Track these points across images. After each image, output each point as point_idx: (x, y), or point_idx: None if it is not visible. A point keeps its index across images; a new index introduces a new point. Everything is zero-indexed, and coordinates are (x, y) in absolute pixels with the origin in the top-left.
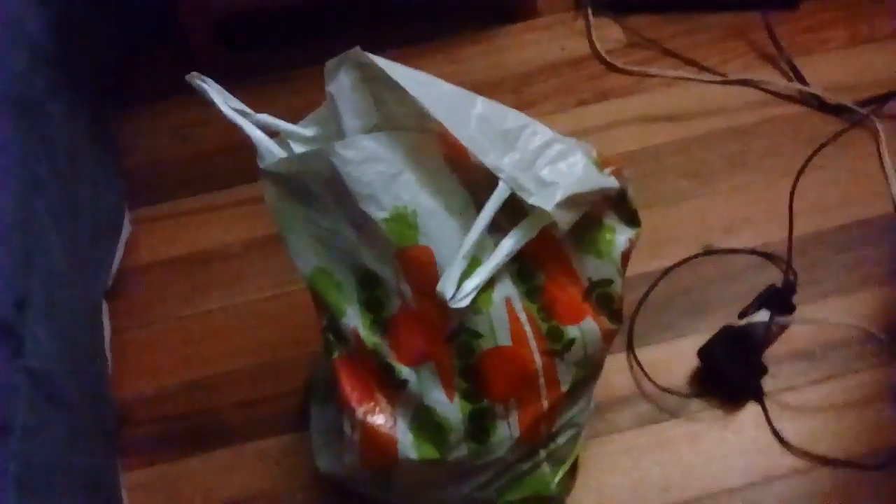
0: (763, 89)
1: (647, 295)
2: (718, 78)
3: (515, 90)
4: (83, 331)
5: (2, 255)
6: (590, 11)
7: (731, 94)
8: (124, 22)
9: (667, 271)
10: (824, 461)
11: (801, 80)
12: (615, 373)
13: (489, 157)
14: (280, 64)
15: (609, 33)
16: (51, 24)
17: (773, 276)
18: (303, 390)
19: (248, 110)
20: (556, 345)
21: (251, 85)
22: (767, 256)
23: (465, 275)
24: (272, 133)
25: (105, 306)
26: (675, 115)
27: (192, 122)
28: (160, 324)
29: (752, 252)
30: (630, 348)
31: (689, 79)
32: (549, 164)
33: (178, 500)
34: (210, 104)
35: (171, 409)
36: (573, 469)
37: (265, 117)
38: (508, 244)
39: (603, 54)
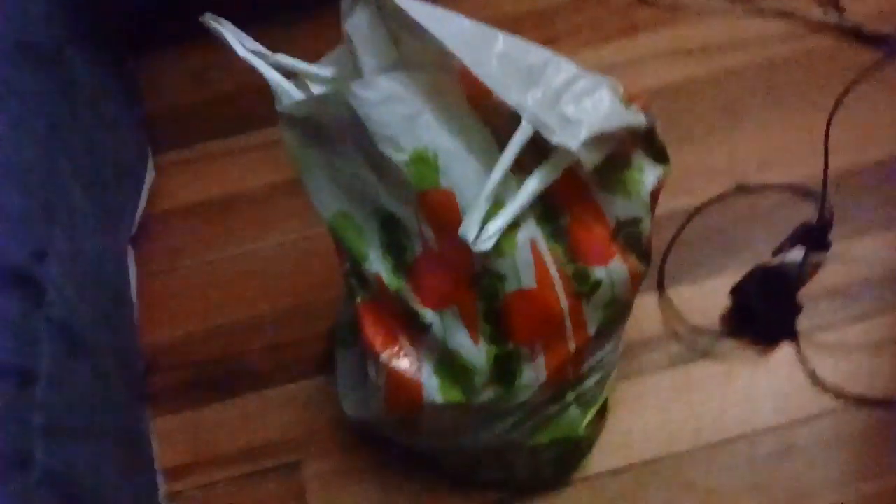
0: (799, 20)
1: (678, 234)
2: (752, 8)
3: (540, 25)
4: (108, 278)
5: (21, 204)
6: None
7: (766, 26)
8: None
9: (698, 209)
10: (860, 401)
11: (839, 8)
12: (646, 313)
13: (511, 95)
14: (301, 2)
15: None
16: None
17: (808, 212)
18: (328, 333)
19: (265, 51)
20: (582, 286)
21: (271, 25)
22: (802, 192)
23: (489, 216)
24: (290, 74)
25: (131, 252)
26: (707, 48)
27: (211, 65)
28: (185, 269)
29: (786, 188)
30: (661, 288)
31: (721, 10)
32: (574, 100)
33: (206, 445)
34: (226, 46)
35: (197, 355)
36: (602, 411)
37: (282, 58)
38: (532, 185)
39: None
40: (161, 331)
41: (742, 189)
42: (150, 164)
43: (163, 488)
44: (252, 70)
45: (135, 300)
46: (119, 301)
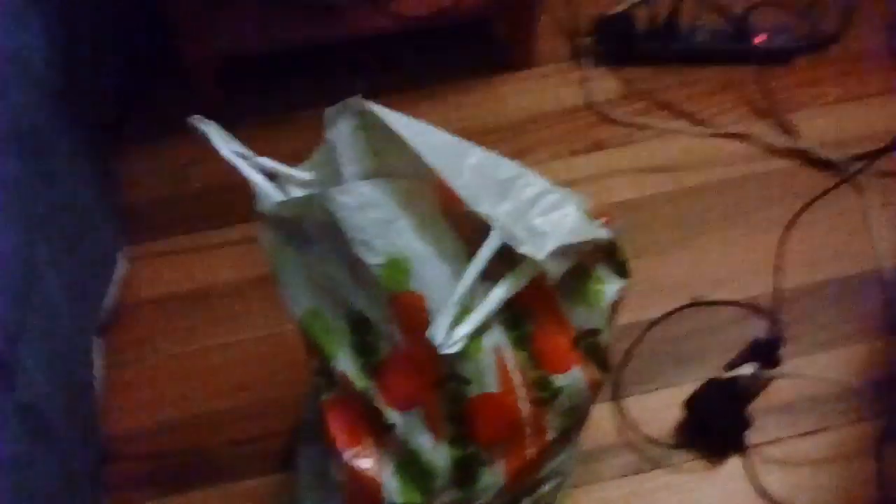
0: (755, 143)
1: (634, 345)
2: (711, 131)
3: (511, 138)
4: (76, 366)
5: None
6: (587, 63)
7: (724, 146)
8: (126, 59)
9: (654, 322)
10: None
11: (793, 134)
12: (601, 422)
13: (483, 206)
14: (279, 107)
15: (605, 84)
16: (56, 59)
17: (761, 328)
18: (291, 430)
19: (248, 153)
20: (543, 393)
21: (250, 125)
22: (754, 309)
23: (457, 321)
24: (271, 175)
25: (98, 342)
26: (668, 167)
27: (190, 161)
28: (152, 361)
29: (740, 304)
30: (616, 398)
31: (681, 131)
32: (542, 214)
33: None
34: (211, 146)
35: (159, 446)
36: None
37: (264, 160)
38: (499, 292)
39: (598, 105)
40: (123, 420)
41: (697, 304)
42: (122, 255)
43: None
44: (228, 167)
45: (98, 389)
46: (84, 388)
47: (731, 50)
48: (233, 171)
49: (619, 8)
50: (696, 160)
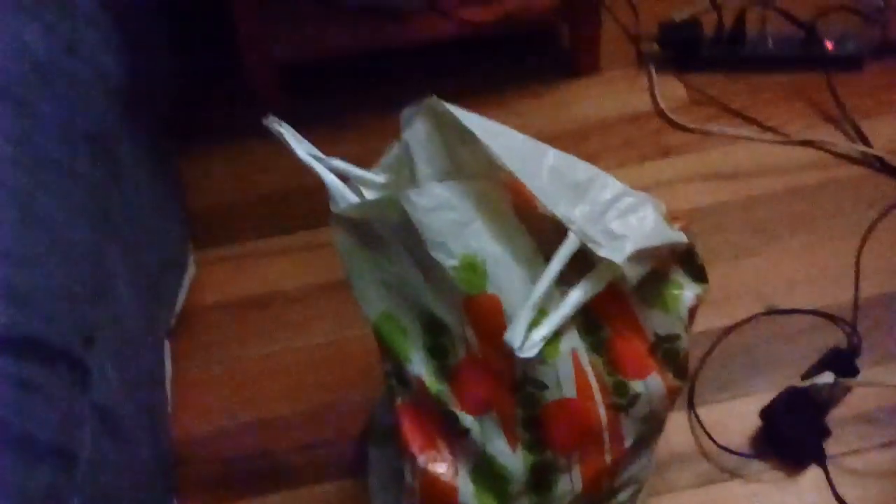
0: (826, 150)
1: (709, 352)
2: (780, 138)
3: (576, 144)
4: (146, 368)
5: (75, 287)
6: (652, 68)
7: (794, 154)
8: (190, 63)
9: (728, 330)
10: None
11: (865, 141)
12: (675, 431)
13: (560, 207)
14: (342, 112)
15: (671, 90)
16: (125, 64)
17: (835, 337)
18: (361, 434)
19: (321, 155)
20: (621, 399)
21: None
22: (830, 318)
23: (533, 325)
24: (343, 178)
25: (167, 345)
26: (737, 174)
27: (254, 165)
28: (220, 364)
29: (815, 313)
30: (691, 406)
31: (750, 138)
32: (619, 216)
33: None
34: (286, 148)
35: (228, 450)
36: None
37: (338, 162)
38: (577, 296)
39: (665, 111)
40: (193, 424)
41: (771, 312)
42: (191, 259)
43: None
44: (293, 172)
45: (168, 392)
46: (155, 391)
47: (800, 56)
48: (297, 176)
49: (685, 14)
50: (766, 167)
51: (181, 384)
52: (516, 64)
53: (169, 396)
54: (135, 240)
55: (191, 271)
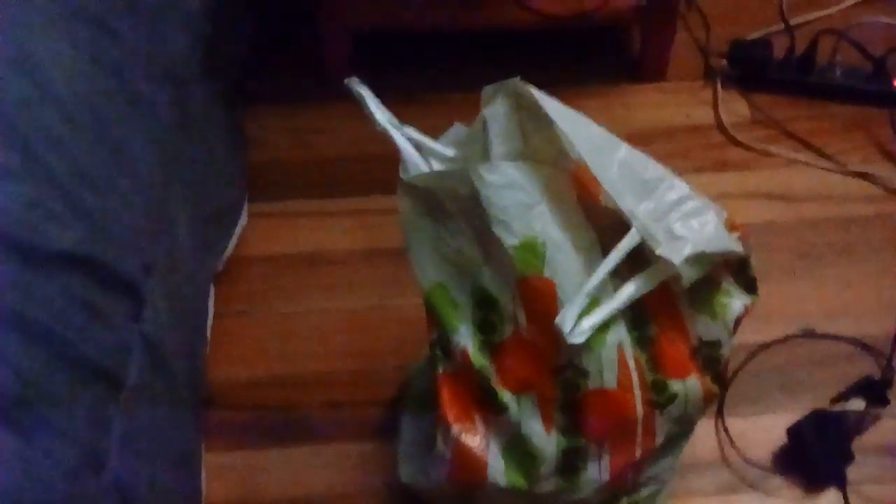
0: (880, 185)
1: (743, 365)
2: (837, 167)
3: (636, 147)
4: (192, 309)
5: (141, 219)
6: (719, 83)
7: (848, 184)
8: (264, 19)
9: (765, 346)
10: None
11: None
12: (702, 437)
13: (625, 201)
14: (408, 87)
15: (735, 107)
16: (208, 7)
17: (868, 367)
18: (394, 400)
19: (397, 122)
20: (658, 396)
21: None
22: (865, 347)
23: (584, 312)
24: (416, 147)
25: (212, 289)
26: (790, 196)
27: (313, 127)
28: (261, 315)
29: (851, 341)
30: (720, 415)
31: (807, 163)
32: (682, 218)
33: (253, 488)
34: (364, 110)
35: (259, 399)
36: None
37: (411, 131)
38: (630, 290)
39: (726, 126)
40: (229, 369)
41: (809, 334)
42: (245, 210)
43: None
44: (349, 138)
45: (208, 335)
46: (196, 332)
47: (866, 90)
48: (353, 142)
49: (757, 34)
50: (820, 193)
51: (219, 329)
52: (583, 62)
53: (208, 340)
54: (197, 183)
55: (242, 221)
